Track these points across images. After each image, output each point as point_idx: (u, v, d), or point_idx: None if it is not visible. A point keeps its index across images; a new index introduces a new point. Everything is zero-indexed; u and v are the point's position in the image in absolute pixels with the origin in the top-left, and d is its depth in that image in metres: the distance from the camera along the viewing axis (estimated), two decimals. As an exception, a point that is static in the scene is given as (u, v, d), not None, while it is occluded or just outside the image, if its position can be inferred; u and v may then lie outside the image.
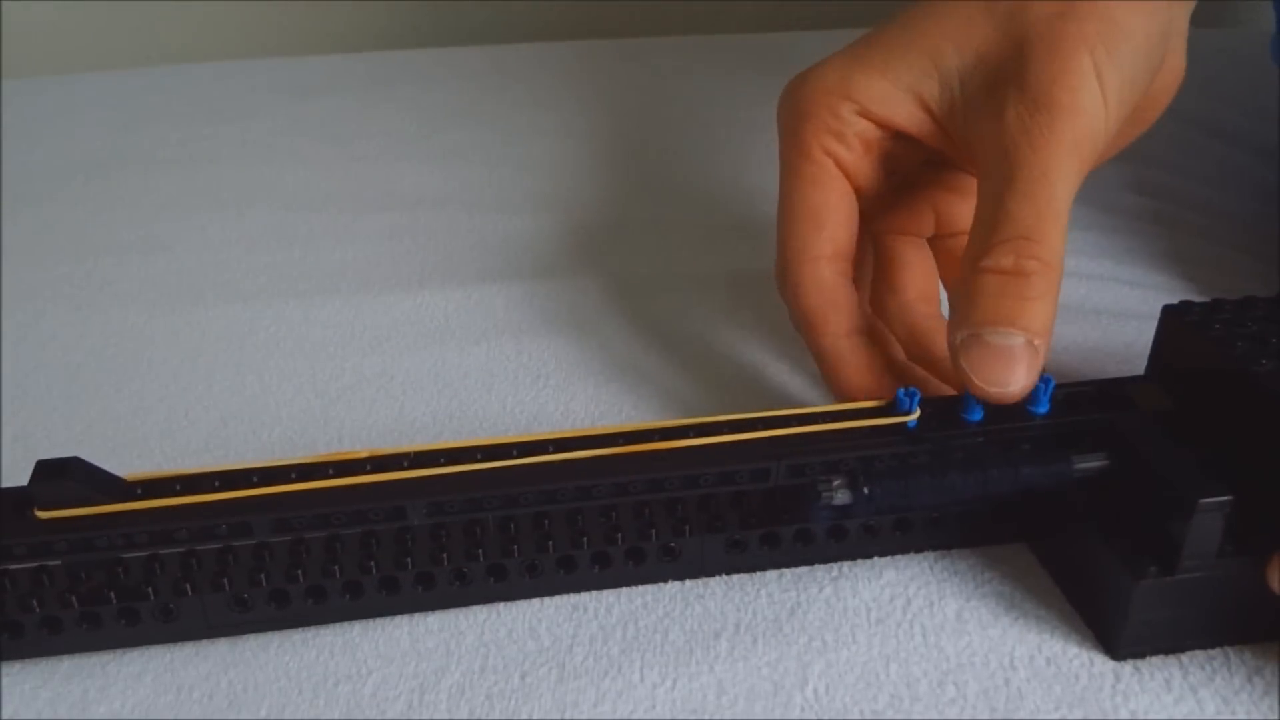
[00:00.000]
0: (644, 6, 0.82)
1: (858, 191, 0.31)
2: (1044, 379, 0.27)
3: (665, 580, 0.27)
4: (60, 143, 0.57)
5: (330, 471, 0.25)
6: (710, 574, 0.27)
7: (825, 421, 0.27)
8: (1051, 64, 0.27)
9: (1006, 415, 0.27)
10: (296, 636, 0.26)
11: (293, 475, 0.25)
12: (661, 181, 0.52)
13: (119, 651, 0.25)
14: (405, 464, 0.26)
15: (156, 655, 0.25)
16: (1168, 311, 0.29)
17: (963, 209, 0.33)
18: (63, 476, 0.24)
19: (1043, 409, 0.27)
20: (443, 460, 0.26)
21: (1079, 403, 0.27)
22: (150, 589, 0.25)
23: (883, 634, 0.25)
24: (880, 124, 0.31)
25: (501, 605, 0.26)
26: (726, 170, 0.52)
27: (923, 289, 0.33)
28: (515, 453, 0.26)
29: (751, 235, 0.45)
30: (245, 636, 0.26)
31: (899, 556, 0.28)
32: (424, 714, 0.24)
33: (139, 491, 0.25)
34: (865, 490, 0.25)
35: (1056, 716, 0.23)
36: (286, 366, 0.37)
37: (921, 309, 0.33)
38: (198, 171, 0.53)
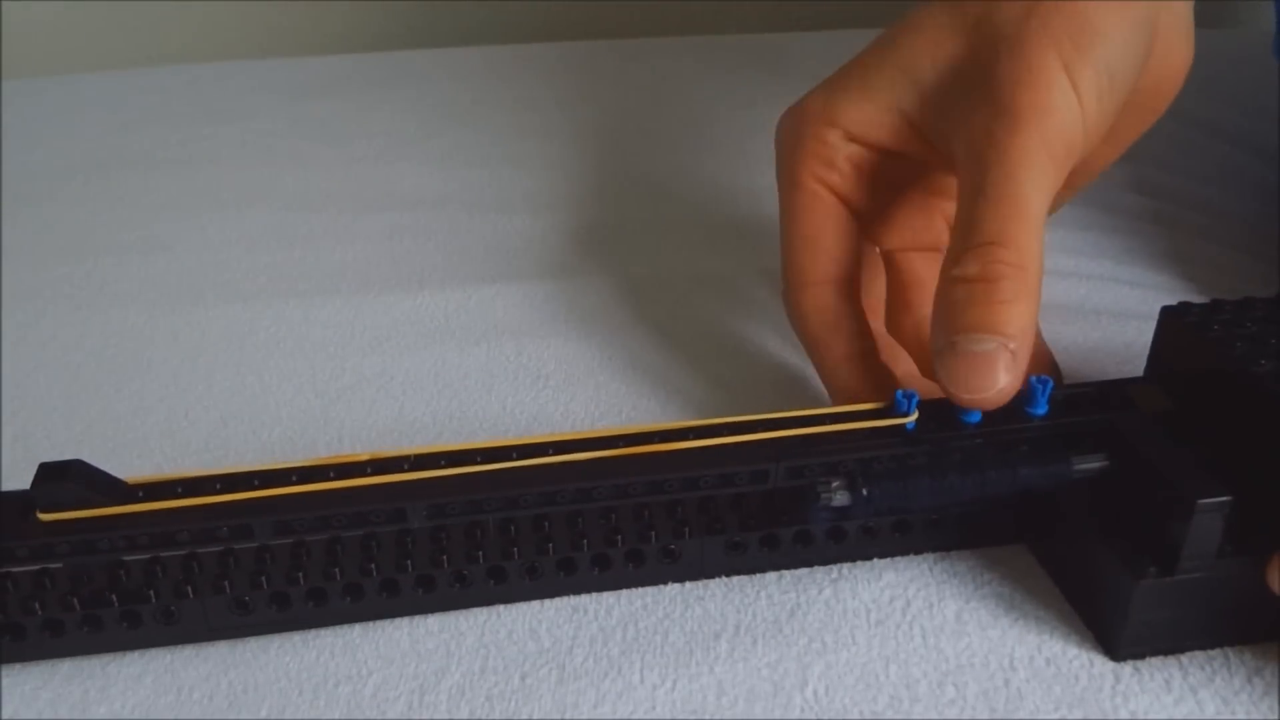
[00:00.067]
0: (643, 6, 0.82)
1: (855, 213, 0.32)
2: (1041, 379, 0.27)
3: (665, 582, 0.27)
4: (60, 143, 0.57)
5: (331, 474, 0.25)
6: (710, 575, 0.27)
7: (824, 424, 0.27)
8: (1016, 66, 0.27)
9: (1005, 417, 0.27)
10: (297, 637, 0.26)
11: (294, 478, 0.25)
12: (662, 181, 0.52)
13: (119, 652, 0.25)
14: (406, 466, 0.26)
15: (156, 656, 0.25)
16: (1167, 312, 0.29)
17: None
18: (64, 479, 0.24)
19: (1041, 410, 0.27)
20: (443, 463, 0.26)
21: (1078, 403, 0.27)
22: (151, 591, 0.25)
23: (882, 635, 0.26)
24: (867, 145, 0.31)
25: (501, 607, 0.26)
26: (726, 170, 0.52)
27: None
28: (515, 455, 0.26)
29: (751, 235, 0.45)
30: (246, 638, 0.26)
31: (898, 558, 0.28)
32: (424, 715, 0.24)
33: (140, 494, 0.25)
34: (864, 492, 0.25)
35: (1056, 717, 0.23)
36: (286, 366, 0.37)
37: None
38: (198, 171, 0.53)
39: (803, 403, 0.34)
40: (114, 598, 0.25)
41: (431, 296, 0.41)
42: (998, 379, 0.25)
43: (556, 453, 0.26)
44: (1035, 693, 0.24)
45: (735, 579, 0.27)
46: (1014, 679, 0.24)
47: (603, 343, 0.38)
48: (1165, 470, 0.24)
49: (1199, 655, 0.25)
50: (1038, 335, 0.33)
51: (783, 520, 0.27)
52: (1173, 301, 0.29)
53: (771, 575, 0.27)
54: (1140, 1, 0.28)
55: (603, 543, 0.26)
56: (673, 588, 0.27)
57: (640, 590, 0.27)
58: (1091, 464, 0.26)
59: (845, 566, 0.28)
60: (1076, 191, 0.34)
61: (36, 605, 0.25)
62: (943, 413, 0.27)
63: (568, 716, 0.24)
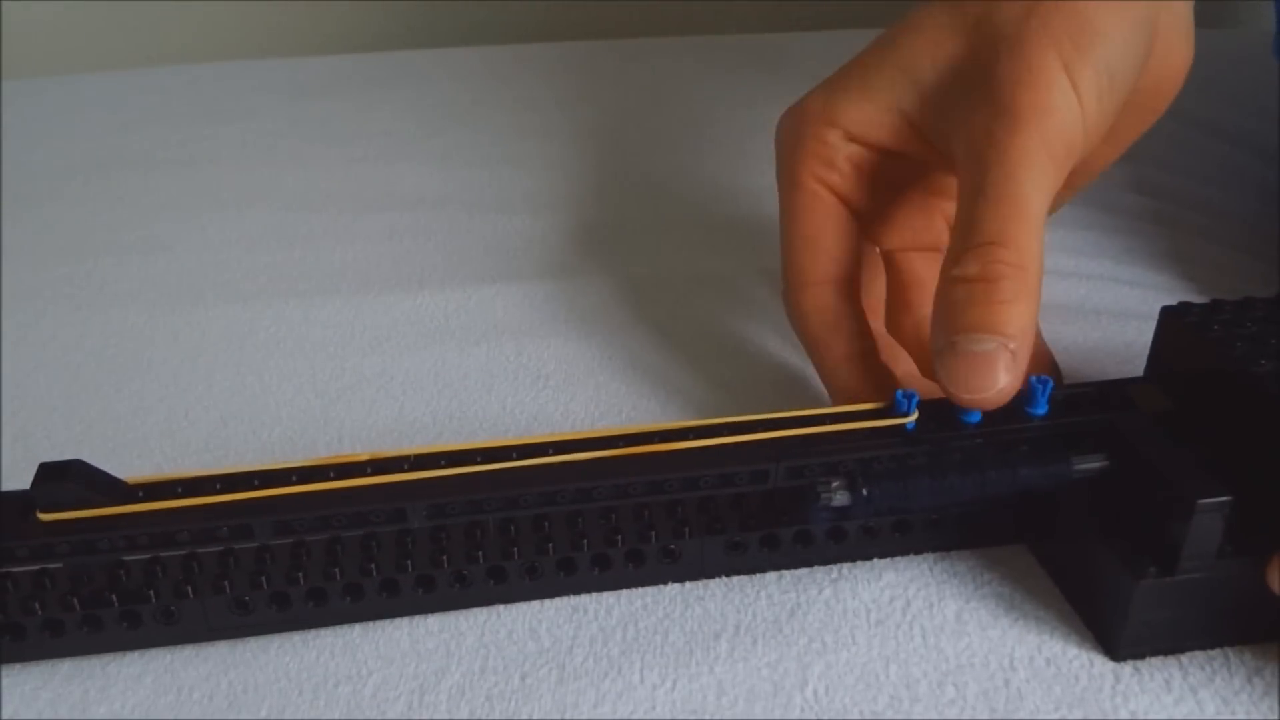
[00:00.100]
0: (643, 6, 0.82)
1: (856, 213, 0.31)
2: (1041, 380, 0.27)
3: (665, 582, 0.27)
4: (60, 143, 0.57)
5: (331, 474, 0.25)
6: (710, 575, 0.27)
7: (824, 424, 0.27)
8: (1016, 66, 0.27)
9: (1005, 416, 0.27)
10: (297, 637, 0.26)
11: (294, 478, 0.25)
12: (662, 181, 0.52)
13: (119, 652, 0.25)
14: (406, 466, 0.26)
15: (156, 656, 0.25)
16: (1167, 312, 0.29)
17: None
18: (64, 479, 0.24)
19: (1041, 410, 0.27)
20: (443, 463, 0.26)
21: (1078, 404, 0.27)
22: (151, 591, 0.25)
23: (882, 635, 0.26)
24: (867, 145, 0.31)
25: (501, 607, 0.26)
26: (726, 170, 0.52)
27: None
28: (515, 455, 0.26)
29: (751, 235, 0.45)
30: (245, 638, 0.26)
31: (898, 558, 0.28)
32: (424, 715, 0.24)
33: (140, 494, 0.25)
34: (864, 492, 0.25)
35: (1056, 717, 0.23)
36: (286, 366, 0.37)
37: None
38: (198, 171, 0.53)
39: (803, 403, 0.34)
40: (114, 598, 0.25)
41: (431, 296, 0.41)
42: (998, 379, 0.25)
43: (556, 453, 0.26)
44: (1035, 693, 0.24)
45: (735, 579, 0.27)
46: (1014, 679, 0.24)
47: (603, 343, 0.38)
48: (1165, 470, 0.24)
49: (1199, 655, 0.25)
50: (1038, 335, 0.33)
51: (783, 520, 0.27)
52: (1173, 301, 0.29)
53: (771, 575, 0.27)
54: (1140, 1, 0.28)
55: (603, 543, 0.26)
56: (673, 588, 0.27)
57: (640, 590, 0.27)
58: (1091, 464, 0.26)
59: (845, 566, 0.28)
60: (1077, 191, 0.34)
61: (36, 605, 0.25)
62: (943, 413, 0.27)
63: (568, 716, 0.24)
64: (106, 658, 0.25)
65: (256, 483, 0.25)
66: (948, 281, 0.26)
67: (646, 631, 0.26)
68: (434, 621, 0.26)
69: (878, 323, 0.33)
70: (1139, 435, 0.25)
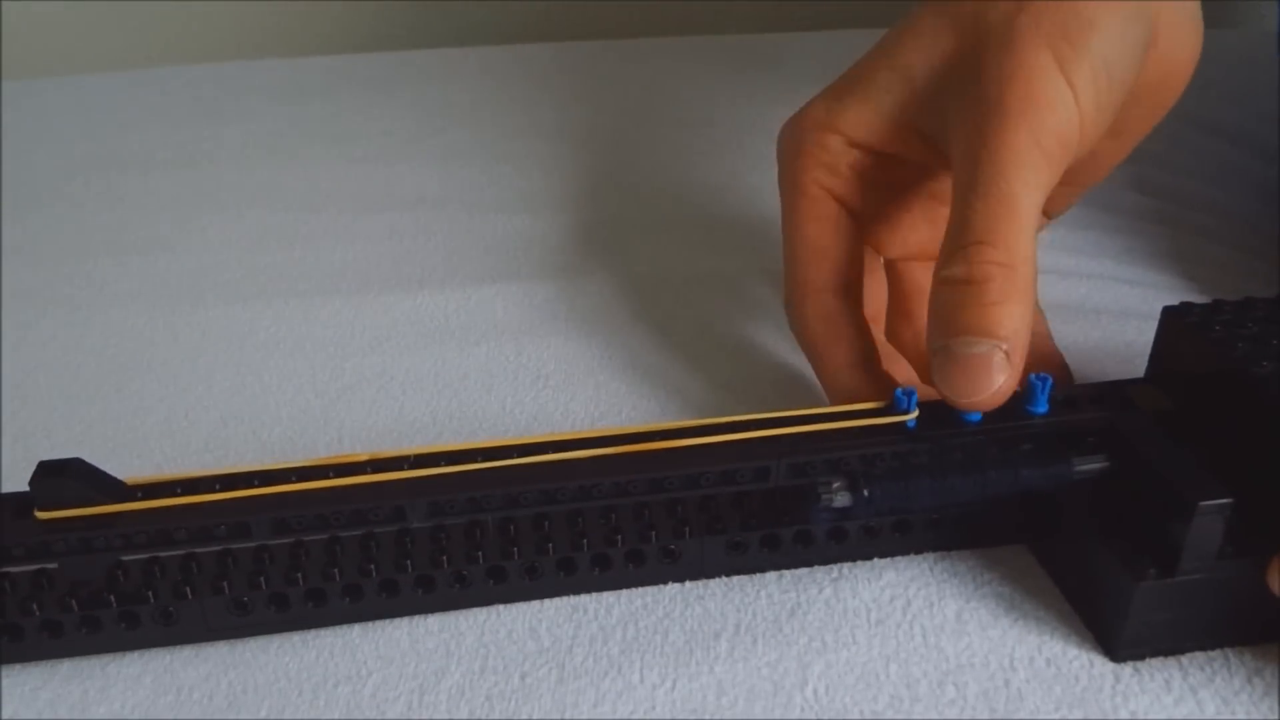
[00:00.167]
0: (643, 6, 0.82)
1: (859, 220, 0.31)
2: (1041, 377, 0.27)
3: (665, 582, 0.27)
4: (60, 143, 0.57)
5: (331, 474, 0.25)
6: (710, 575, 0.27)
7: (824, 422, 0.27)
8: (1006, 62, 0.27)
9: (1005, 415, 0.27)
10: (296, 638, 0.26)
11: (293, 478, 0.25)
12: (661, 181, 0.52)
13: (118, 653, 0.25)
14: (405, 466, 0.26)
15: (156, 656, 0.25)
16: (1168, 313, 0.29)
17: None
18: (62, 476, 0.24)
19: (1042, 408, 0.27)
20: (443, 463, 0.26)
21: (1079, 403, 0.27)
22: (150, 592, 0.25)
23: (883, 635, 0.25)
24: (869, 150, 0.31)
25: (501, 607, 0.26)
26: (726, 170, 0.52)
27: None
28: (515, 455, 0.26)
29: (752, 235, 0.45)
30: (245, 638, 0.26)
31: (899, 558, 0.28)
32: (424, 715, 0.24)
33: (139, 494, 0.25)
34: (865, 492, 0.25)
35: (1056, 717, 0.23)
36: (286, 366, 0.37)
37: None
38: (198, 172, 0.53)
39: (803, 402, 0.34)
40: (112, 598, 0.25)
41: (431, 296, 0.41)
42: (993, 381, 0.25)
43: (556, 452, 0.26)
44: (1035, 693, 0.24)
45: (735, 578, 0.27)
46: (1014, 679, 0.24)
47: (603, 343, 0.38)
48: (1166, 471, 0.24)
49: (1199, 656, 0.25)
50: (1048, 337, 0.33)
51: (783, 520, 0.27)
52: (1174, 301, 0.29)
53: (772, 575, 0.27)
54: None
55: (603, 542, 0.26)
56: (673, 587, 0.27)
57: (640, 590, 0.27)
58: (1092, 465, 0.26)
59: (846, 566, 0.27)
60: (1084, 191, 0.34)
61: (35, 606, 0.24)
62: (942, 411, 0.27)
63: (568, 716, 0.24)
64: (106, 658, 0.25)
65: (256, 483, 0.25)
66: (938, 283, 0.26)
67: (646, 631, 0.26)
68: (434, 621, 0.26)
69: (879, 331, 0.33)
70: (1140, 436, 0.25)
